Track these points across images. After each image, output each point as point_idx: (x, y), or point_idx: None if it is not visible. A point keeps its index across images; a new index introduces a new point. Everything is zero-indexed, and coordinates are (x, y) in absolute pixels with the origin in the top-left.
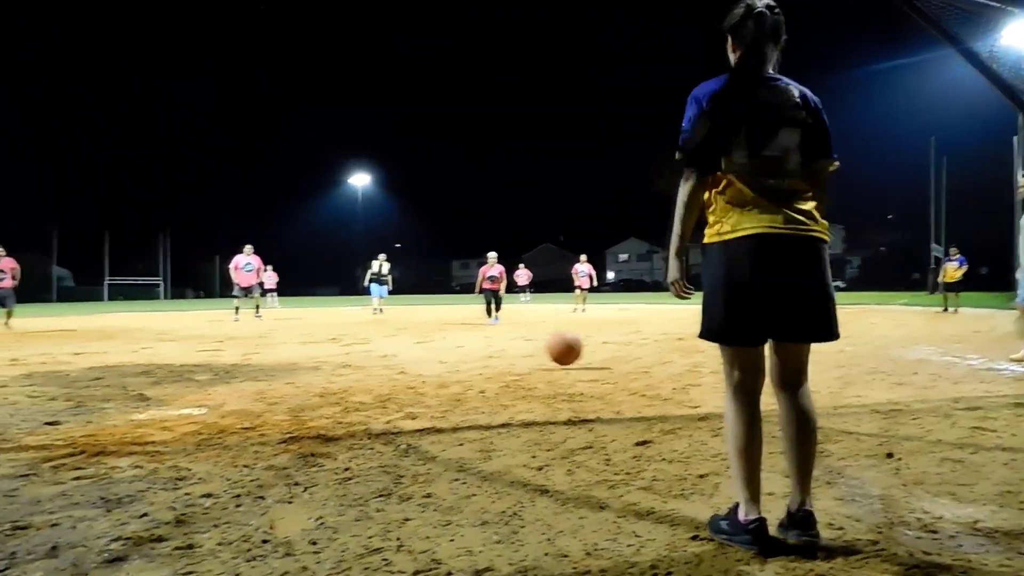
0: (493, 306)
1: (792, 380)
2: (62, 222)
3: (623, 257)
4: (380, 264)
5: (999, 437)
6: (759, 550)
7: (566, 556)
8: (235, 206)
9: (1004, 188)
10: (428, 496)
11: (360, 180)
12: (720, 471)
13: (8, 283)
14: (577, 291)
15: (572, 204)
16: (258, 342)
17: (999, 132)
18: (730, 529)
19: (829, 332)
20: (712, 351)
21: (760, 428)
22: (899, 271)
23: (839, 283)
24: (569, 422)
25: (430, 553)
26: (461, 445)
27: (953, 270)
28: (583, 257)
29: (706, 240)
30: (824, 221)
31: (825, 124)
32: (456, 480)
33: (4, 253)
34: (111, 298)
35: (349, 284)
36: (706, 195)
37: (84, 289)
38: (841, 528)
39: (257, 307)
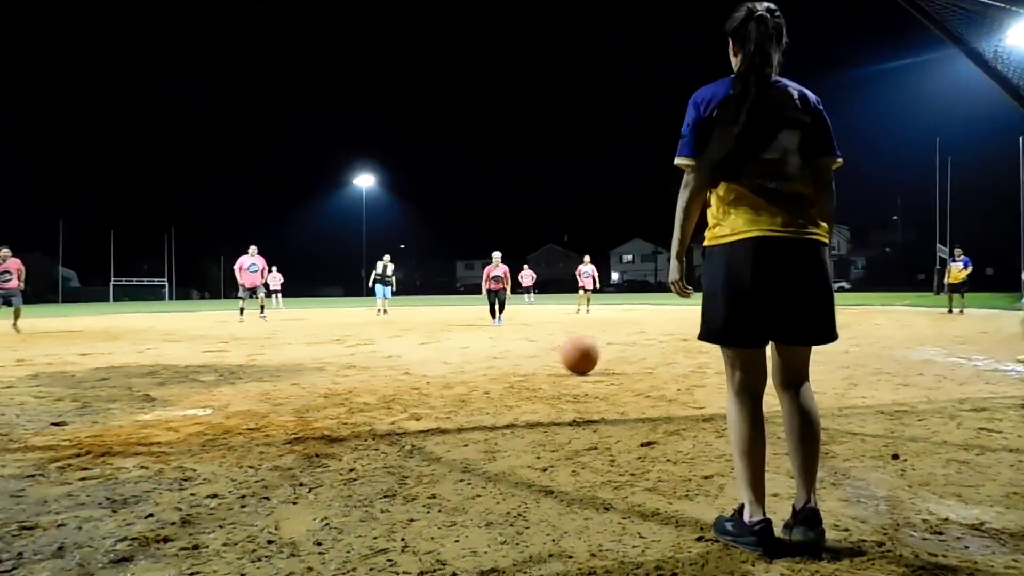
0: (496, 307)
1: (793, 380)
2: (67, 223)
3: (627, 258)
4: (384, 265)
5: (1005, 438)
6: (764, 551)
7: (571, 557)
8: (239, 207)
9: (1009, 189)
10: (433, 497)
11: (364, 181)
12: (725, 472)
13: (14, 283)
14: (581, 292)
15: (576, 205)
16: (263, 343)
17: (1004, 133)
18: (735, 530)
19: (828, 334)
20: (716, 352)
21: (763, 429)
22: (904, 272)
23: (843, 284)
24: (574, 423)
25: (435, 554)
26: (466, 446)
27: (958, 271)
28: (587, 258)
29: (706, 243)
30: (824, 224)
31: (826, 122)
32: (461, 481)
33: (10, 254)
34: (116, 299)
35: (353, 285)
36: (708, 197)
37: (89, 290)
38: (847, 529)
39: (262, 308)
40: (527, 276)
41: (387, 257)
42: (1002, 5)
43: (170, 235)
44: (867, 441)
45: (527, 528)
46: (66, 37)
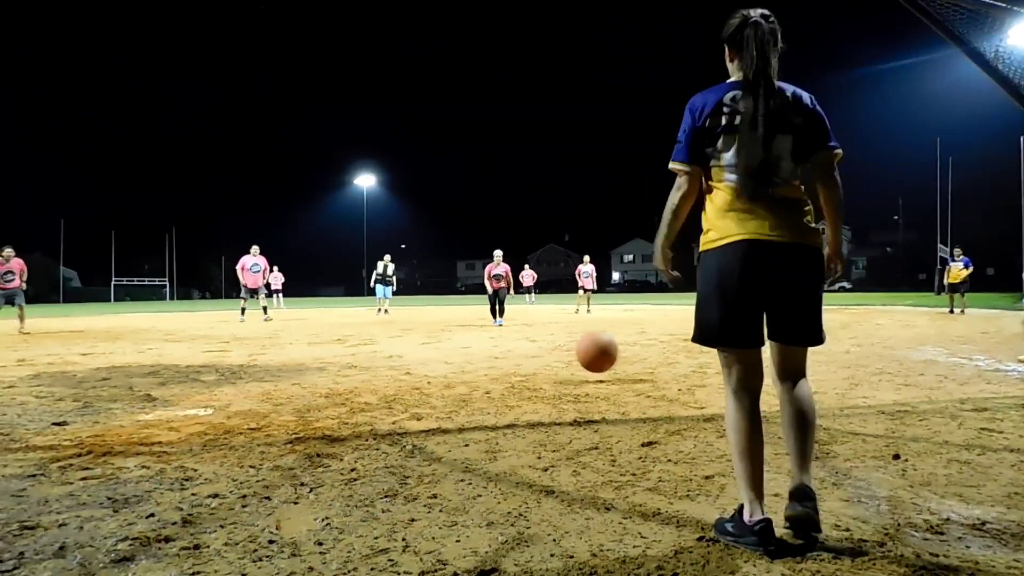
0: (497, 307)
1: (790, 375)
2: (68, 223)
3: (628, 258)
4: (385, 265)
5: (1006, 438)
6: (765, 550)
7: (572, 557)
8: (239, 207)
9: (1010, 188)
10: (434, 497)
11: (365, 181)
12: (726, 472)
13: (17, 283)
14: (581, 292)
15: (577, 205)
16: (264, 343)
17: (1005, 133)
18: (736, 531)
19: (815, 337)
20: (717, 352)
21: (761, 428)
22: (905, 272)
23: (845, 284)
24: (575, 423)
25: (436, 554)
26: (467, 446)
27: (958, 271)
28: (586, 258)
29: (700, 248)
30: (815, 226)
31: (821, 118)
32: (462, 481)
33: (14, 254)
34: (117, 299)
35: (354, 284)
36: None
37: (91, 289)
38: (848, 529)
39: (265, 309)
40: (528, 276)
41: (388, 257)
42: (1003, 5)
43: (171, 235)
44: (868, 441)
45: (528, 528)
46: (66, 37)
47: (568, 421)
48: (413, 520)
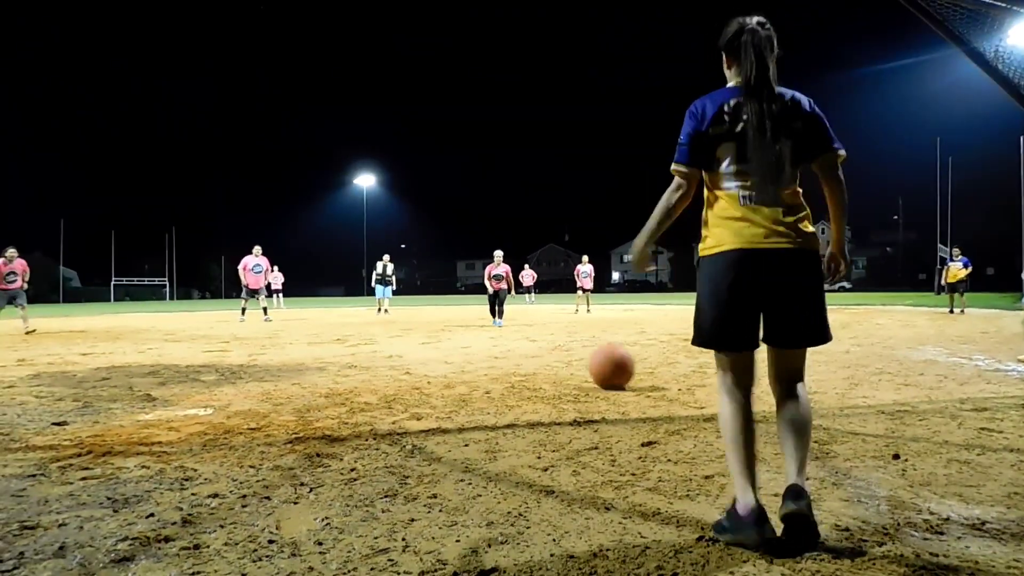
0: (497, 308)
1: (786, 378)
2: (68, 223)
3: (628, 257)
4: (385, 265)
5: (1006, 438)
6: (761, 537)
7: (572, 557)
8: (239, 207)
9: (1010, 189)
10: (434, 496)
11: (365, 181)
12: (726, 472)
13: (19, 283)
14: (580, 292)
15: (576, 205)
16: (264, 343)
17: (1004, 133)
18: (731, 525)
19: (819, 336)
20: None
21: (752, 420)
22: (905, 272)
23: (844, 283)
24: (575, 423)
25: (436, 553)
26: (467, 446)
27: (957, 270)
28: (585, 258)
29: (699, 254)
30: (812, 228)
31: (822, 121)
32: (462, 481)
33: (17, 255)
34: (117, 298)
35: (354, 284)
36: (703, 214)
37: (91, 289)
38: (847, 529)
39: (265, 309)
40: (528, 276)
41: (387, 257)
42: (1003, 5)
43: (171, 235)
44: (868, 441)
45: (528, 528)
46: (66, 37)
47: (568, 421)
48: (413, 520)
